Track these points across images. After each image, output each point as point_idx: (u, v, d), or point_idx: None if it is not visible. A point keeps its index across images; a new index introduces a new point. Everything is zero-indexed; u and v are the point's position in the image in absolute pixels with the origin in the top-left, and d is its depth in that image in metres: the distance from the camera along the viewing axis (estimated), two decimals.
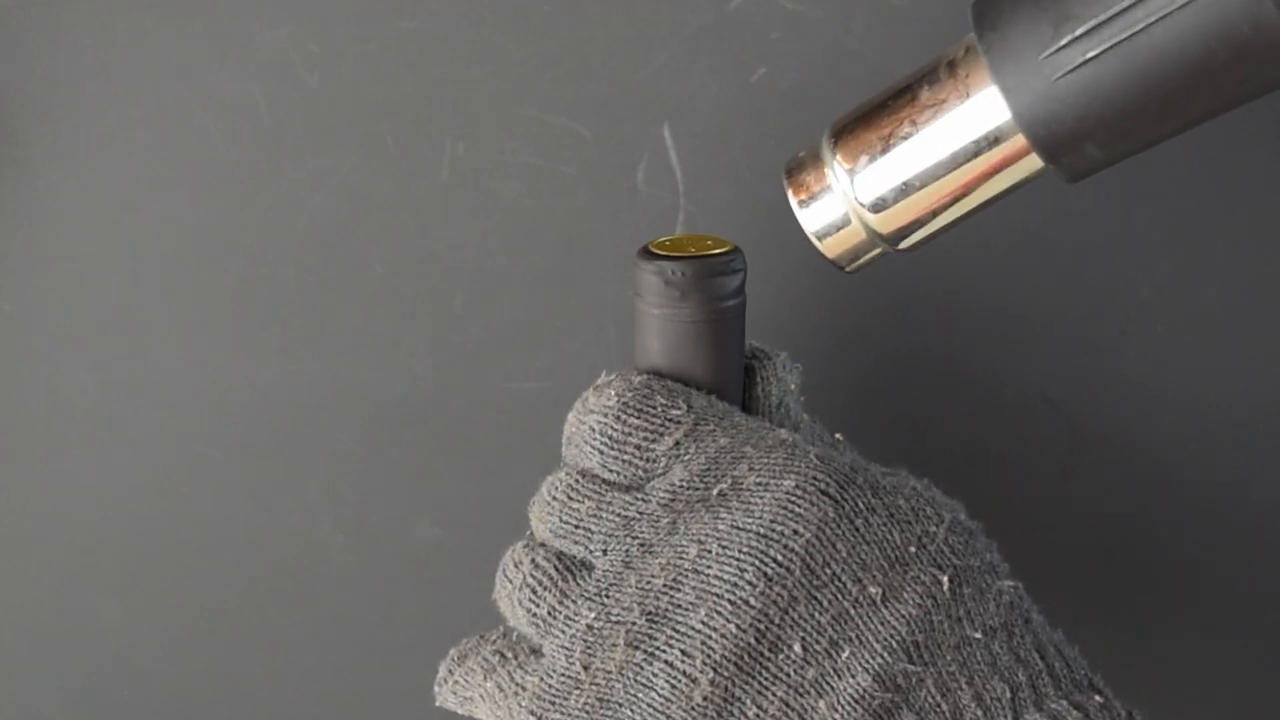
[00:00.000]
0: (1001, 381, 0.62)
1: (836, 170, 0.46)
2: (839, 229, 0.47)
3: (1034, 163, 0.44)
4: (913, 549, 0.45)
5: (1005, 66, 0.42)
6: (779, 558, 0.45)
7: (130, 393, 0.67)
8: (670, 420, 0.49)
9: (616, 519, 0.49)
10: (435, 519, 0.67)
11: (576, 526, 0.50)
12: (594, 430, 0.50)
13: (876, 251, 0.47)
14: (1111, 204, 0.58)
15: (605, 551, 0.49)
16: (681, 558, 0.47)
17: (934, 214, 0.46)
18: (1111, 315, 0.60)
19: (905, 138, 0.45)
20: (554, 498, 0.51)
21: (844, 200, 0.46)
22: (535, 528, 0.52)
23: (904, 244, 0.47)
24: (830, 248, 0.47)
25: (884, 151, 0.45)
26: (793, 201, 0.47)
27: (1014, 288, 0.61)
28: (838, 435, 0.54)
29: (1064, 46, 0.41)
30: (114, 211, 0.65)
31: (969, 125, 0.44)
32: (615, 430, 0.50)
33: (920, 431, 0.62)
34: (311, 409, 0.66)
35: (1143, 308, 0.60)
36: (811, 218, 0.47)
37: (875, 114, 0.46)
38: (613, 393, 0.50)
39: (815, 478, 0.46)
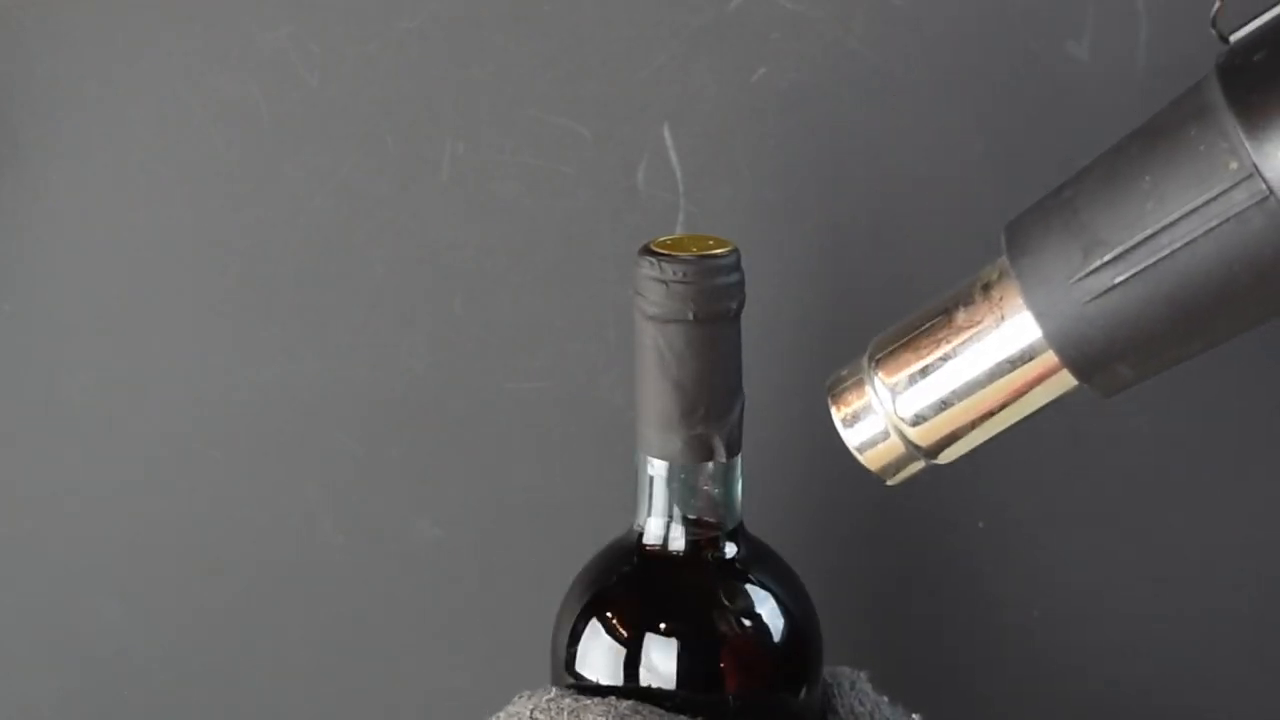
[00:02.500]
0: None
1: (878, 389, 0.48)
2: (881, 443, 0.48)
3: (1067, 380, 0.46)
4: None
5: (1037, 290, 0.44)
6: None
7: (130, 393, 0.67)
8: None
9: None
10: (435, 519, 0.67)
11: None
12: None
13: (919, 465, 0.49)
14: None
15: None
16: None
17: (972, 428, 0.47)
18: None
19: (943, 359, 0.47)
20: None
21: (885, 417, 0.48)
22: None
23: (943, 457, 0.48)
24: (873, 460, 0.49)
25: (923, 374, 0.47)
26: (836, 418, 0.49)
27: None
28: (915, 716, 0.54)
29: (1093, 271, 0.43)
30: (114, 211, 0.65)
31: (1004, 346, 0.46)
32: None
33: None
34: (311, 409, 0.66)
35: None
36: (855, 434, 0.49)
37: (913, 336, 0.47)
38: (604, 710, 0.50)
39: None
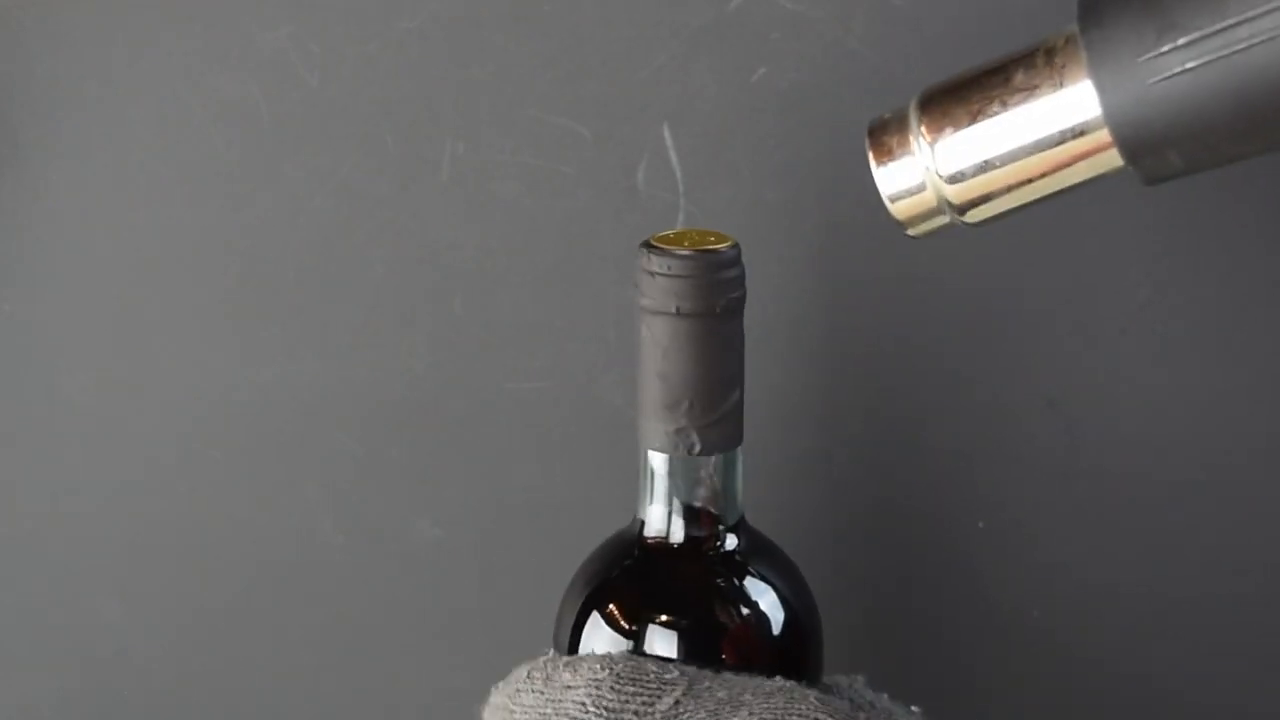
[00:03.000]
0: (1002, 381, 0.62)
1: (920, 138, 0.46)
2: (913, 194, 0.47)
3: (1114, 160, 0.44)
4: None
5: (1103, 64, 0.43)
6: None
7: (130, 393, 0.67)
8: (666, 683, 0.49)
9: None
10: (435, 519, 0.67)
11: None
12: (584, 704, 0.48)
13: (945, 221, 0.48)
14: (1112, 204, 0.58)
15: None
16: None
17: (1007, 193, 0.46)
18: (1111, 315, 0.60)
19: (992, 116, 0.45)
20: None
21: (922, 167, 0.47)
22: None
23: (972, 217, 0.47)
24: (901, 210, 0.48)
25: (970, 126, 0.46)
26: (871, 161, 0.48)
27: (1014, 288, 0.61)
28: (914, 708, 0.54)
29: (1164, 53, 0.42)
30: (114, 211, 0.65)
31: (1058, 114, 0.44)
32: (611, 699, 0.48)
33: (920, 431, 0.62)
34: (311, 409, 0.66)
35: (1143, 308, 0.60)
36: (888, 179, 0.48)
37: (965, 89, 0.46)
38: (597, 665, 0.49)
39: (817, 717, 0.46)
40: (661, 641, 0.52)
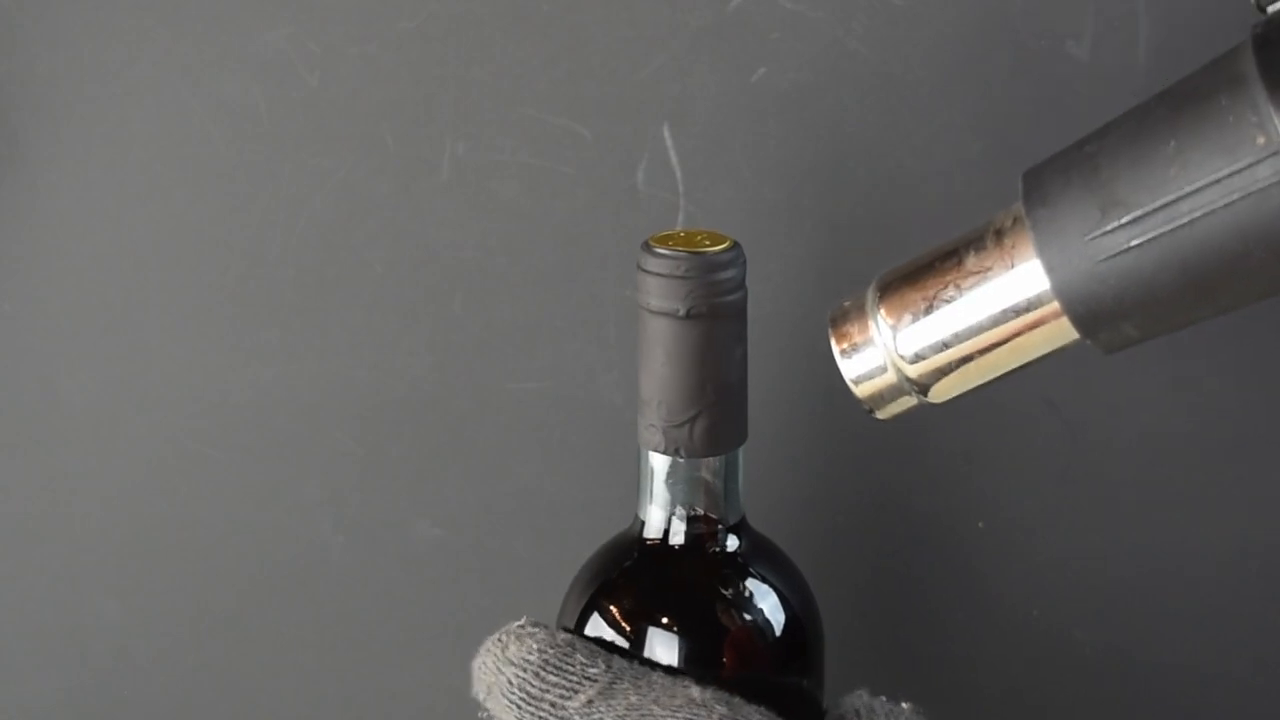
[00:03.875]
0: (1002, 383, 0.62)
1: (880, 324, 0.48)
2: (876, 377, 0.48)
3: (1070, 334, 0.46)
4: None
5: (1050, 243, 0.44)
6: None
7: (130, 393, 0.67)
8: (586, 678, 0.50)
9: None
10: (435, 519, 0.67)
11: None
12: (511, 684, 0.51)
13: (912, 402, 0.49)
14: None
15: None
16: None
17: (970, 371, 0.47)
18: None
19: (948, 301, 0.46)
20: None
21: (883, 352, 0.48)
22: None
23: (936, 397, 0.48)
24: (866, 392, 0.49)
25: (927, 314, 0.47)
26: (834, 348, 0.49)
27: None
28: (904, 704, 0.54)
29: (1109, 231, 0.42)
30: (114, 211, 0.65)
31: (1010, 295, 0.45)
32: (533, 687, 0.50)
33: (920, 431, 0.62)
34: (311, 409, 0.66)
35: None
36: (852, 366, 0.49)
37: (921, 274, 0.47)
38: (534, 645, 0.51)
39: None
40: (662, 643, 0.52)
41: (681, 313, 0.50)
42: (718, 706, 0.49)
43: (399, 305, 0.64)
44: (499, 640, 0.52)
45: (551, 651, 0.51)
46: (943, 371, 0.47)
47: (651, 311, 0.51)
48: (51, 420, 0.68)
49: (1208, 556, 0.63)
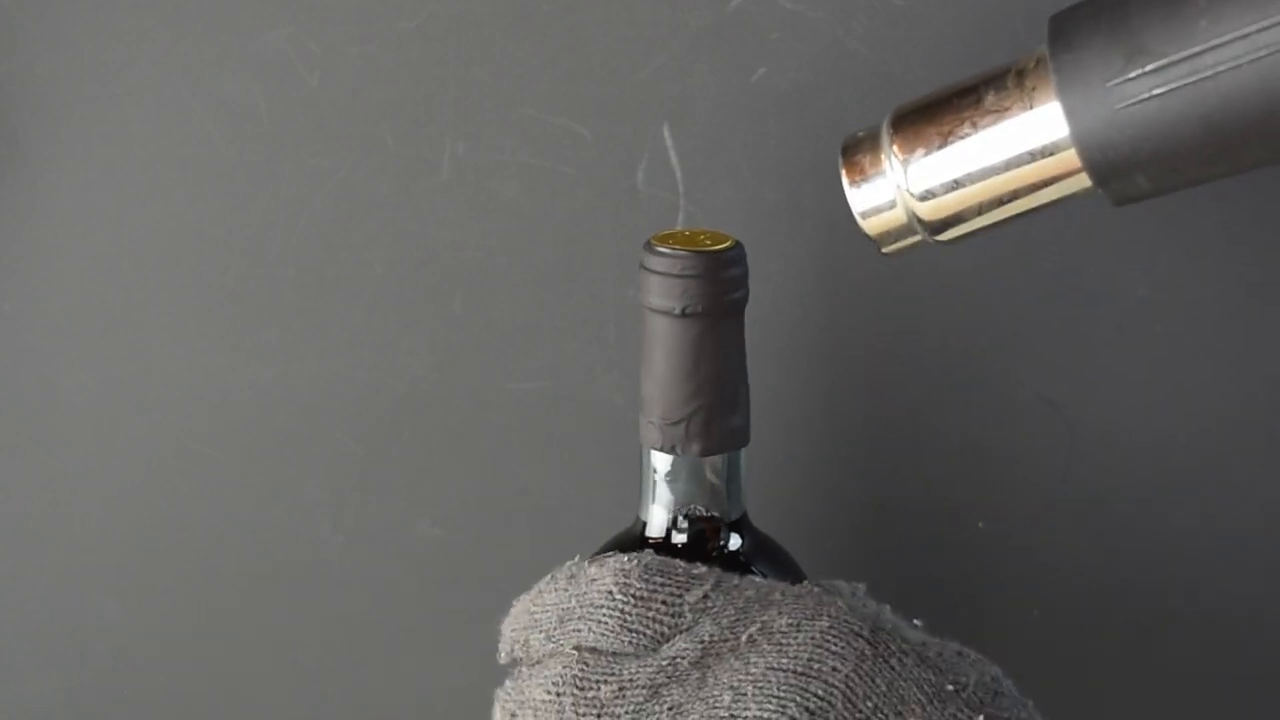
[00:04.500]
0: (1001, 381, 0.62)
1: (892, 157, 0.47)
2: (884, 211, 0.48)
3: (1083, 182, 0.45)
4: (950, 688, 0.45)
5: (1072, 87, 0.43)
6: (820, 692, 0.44)
7: (130, 393, 0.67)
8: (695, 577, 0.48)
9: (643, 692, 0.47)
10: (435, 519, 0.67)
11: (600, 714, 0.47)
12: (611, 593, 0.48)
13: (916, 239, 0.48)
14: (1111, 204, 0.58)
15: None
16: (715, 708, 0.45)
17: (978, 213, 0.47)
18: (1111, 315, 0.60)
19: (963, 137, 0.46)
20: (560, 693, 0.47)
21: (894, 186, 0.47)
22: None
23: (943, 236, 0.48)
24: (873, 227, 0.48)
25: (941, 147, 0.46)
26: (845, 180, 0.48)
27: (1014, 288, 0.61)
28: (916, 621, 0.54)
29: (1132, 79, 0.42)
30: (114, 211, 0.65)
31: (1027, 136, 0.45)
32: (639, 587, 0.48)
33: (920, 431, 0.62)
34: (311, 409, 0.66)
35: (1141, 307, 0.60)
36: (861, 198, 0.48)
37: (937, 109, 0.47)
38: (624, 558, 0.49)
39: (847, 620, 0.46)
40: None
41: (683, 311, 0.50)
42: (835, 597, 0.47)
43: (399, 305, 0.64)
44: (554, 577, 0.49)
45: (649, 558, 0.48)
46: (952, 210, 0.47)
47: (653, 310, 0.51)
48: (51, 420, 0.68)
49: (1208, 556, 0.63)
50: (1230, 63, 0.41)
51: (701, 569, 0.49)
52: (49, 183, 0.65)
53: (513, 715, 0.49)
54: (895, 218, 0.48)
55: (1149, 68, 0.42)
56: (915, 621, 0.52)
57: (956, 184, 0.46)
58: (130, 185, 0.64)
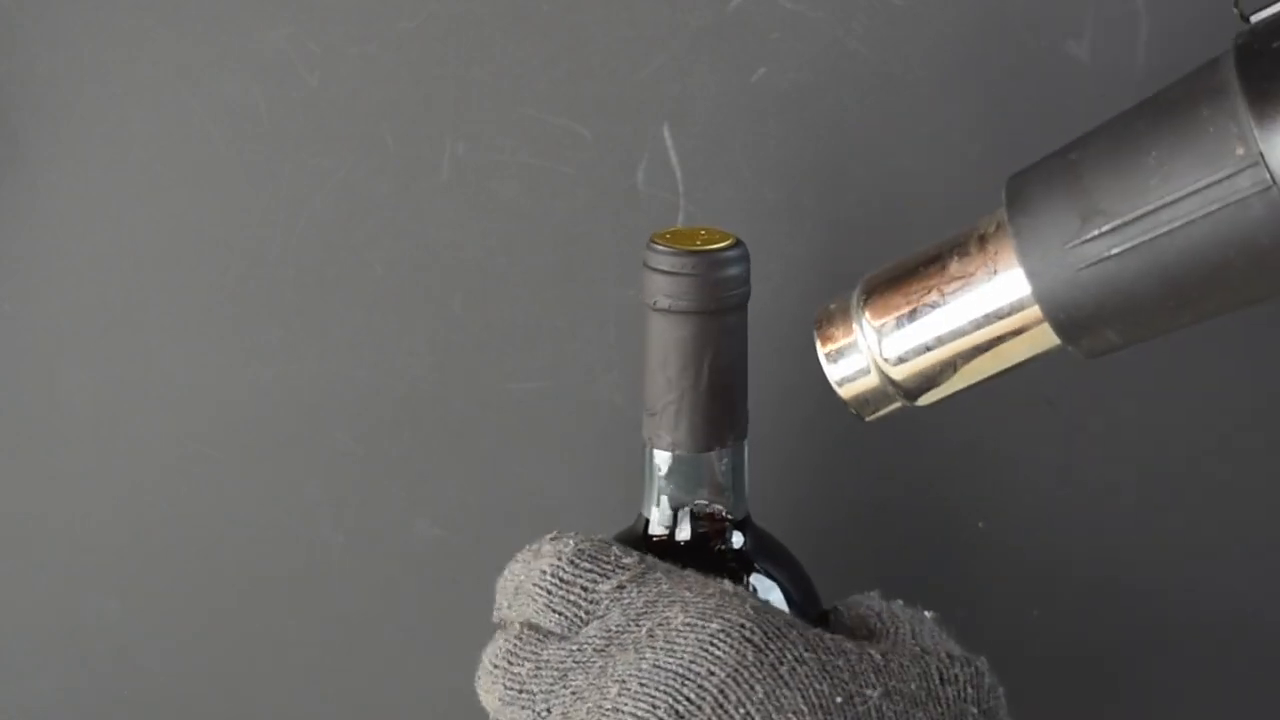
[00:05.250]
0: (1001, 381, 0.62)
1: (864, 328, 0.48)
2: (861, 379, 0.49)
3: (1052, 339, 0.46)
4: (839, 700, 0.45)
5: (1032, 250, 0.44)
6: (691, 695, 0.45)
7: (130, 393, 0.67)
8: (620, 566, 0.50)
9: (554, 673, 0.49)
10: (435, 519, 0.67)
11: (520, 691, 0.50)
12: (544, 572, 0.50)
13: (896, 405, 0.49)
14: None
15: (549, 710, 0.49)
16: (604, 698, 0.47)
17: (954, 375, 0.48)
18: None
19: (932, 306, 0.47)
20: (495, 665, 0.50)
21: (868, 355, 0.48)
22: (483, 699, 0.52)
23: (922, 400, 0.48)
24: (851, 395, 0.50)
25: (910, 318, 0.47)
26: (819, 351, 0.49)
27: None
28: (927, 612, 0.54)
29: (1090, 240, 0.43)
30: (114, 211, 0.65)
31: (993, 300, 0.46)
32: (566, 572, 0.50)
33: (920, 431, 0.62)
34: (311, 409, 0.66)
35: None
36: (837, 369, 0.49)
37: (905, 278, 0.48)
38: (570, 541, 0.51)
39: (742, 624, 0.46)
40: None
41: (685, 309, 0.50)
42: (749, 598, 0.48)
43: (399, 305, 0.64)
44: (532, 546, 0.51)
45: (588, 544, 0.50)
46: (926, 375, 0.48)
47: (655, 308, 0.51)
48: (51, 420, 0.68)
49: (1207, 556, 0.63)
50: (1185, 218, 0.41)
51: (633, 558, 0.50)
52: (49, 183, 0.65)
53: (478, 678, 0.52)
54: (871, 384, 0.49)
55: (1105, 228, 0.42)
56: (926, 613, 0.52)
57: (928, 349, 0.47)
58: (130, 185, 0.64)
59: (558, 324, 0.63)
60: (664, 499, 0.53)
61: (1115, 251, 0.42)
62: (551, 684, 0.49)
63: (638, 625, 0.48)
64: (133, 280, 0.65)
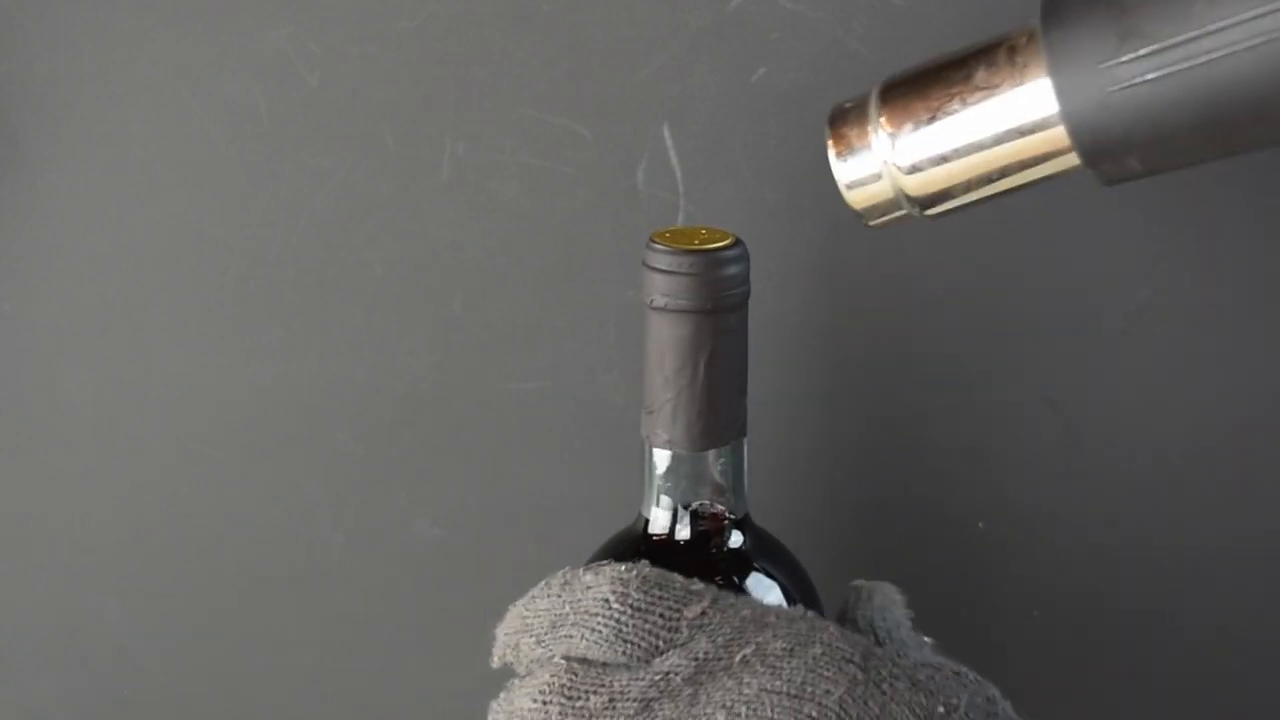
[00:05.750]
0: (1001, 381, 0.62)
1: (879, 131, 0.46)
2: (870, 184, 0.47)
3: (1072, 160, 0.44)
4: (940, 710, 0.46)
5: (1064, 67, 0.42)
6: (814, 714, 0.45)
7: (130, 393, 0.67)
8: (693, 592, 0.48)
9: (634, 705, 0.46)
10: (435, 519, 0.67)
11: None
12: (608, 600, 0.48)
13: (902, 213, 0.47)
14: (1111, 204, 0.58)
15: None
16: None
17: (966, 189, 0.46)
18: (1111, 316, 0.60)
19: (953, 114, 0.45)
20: (545, 702, 0.47)
21: (881, 160, 0.46)
22: None
23: (931, 211, 0.47)
24: (858, 199, 0.47)
25: (929, 122, 0.45)
26: (831, 151, 0.47)
27: (1014, 288, 0.61)
28: (926, 638, 0.54)
29: (1125, 62, 0.41)
30: (114, 211, 0.65)
31: (1018, 115, 0.44)
32: (638, 598, 0.47)
33: (920, 431, 0.62)
34: (311, 409, 0.66)
35: (1143, 308, 0.60)
36: (847, 170, 0.47)
37: (927, 83, 0.46)
38: (623, 568, 0.48)
39: (839, 646, 0.47)
40: None
41: (682, 308, 0.50)
42: (831, 623, 0.48)
43: (399, 305, 0.64)
44: (548, 583, 0.49)
45: (646, 570, 0.48)
46: (940, 186, 0.46)
47: (654, 308, 0.51)
48: (51, 420, 0.68)
49: (1208, 556, 0.63)
50: (1227, 48, 0.40)
51: (699, 585, 0.49)
52: (49, 183, 0.65)
53: (528, 709, 0.48)
54: (881, 191, 0.47)
55: (1143, 51, 0.41)
56: (926, 639, 0.52)
57: (944, 159, 0.45)
58: (130, 185, 0.64)
59: (558, 324, 0.63)
60: (663, 498, 0.54)
61: (1151, 77, 0.41)
62: (633, 715, 0.46)
63: (728, 652, 0.47)
64: (133, 280, 0.66)
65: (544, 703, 0.47)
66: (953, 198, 0.46)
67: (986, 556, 0.63)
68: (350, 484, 0.67)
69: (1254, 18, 0.39)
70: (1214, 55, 0.40)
